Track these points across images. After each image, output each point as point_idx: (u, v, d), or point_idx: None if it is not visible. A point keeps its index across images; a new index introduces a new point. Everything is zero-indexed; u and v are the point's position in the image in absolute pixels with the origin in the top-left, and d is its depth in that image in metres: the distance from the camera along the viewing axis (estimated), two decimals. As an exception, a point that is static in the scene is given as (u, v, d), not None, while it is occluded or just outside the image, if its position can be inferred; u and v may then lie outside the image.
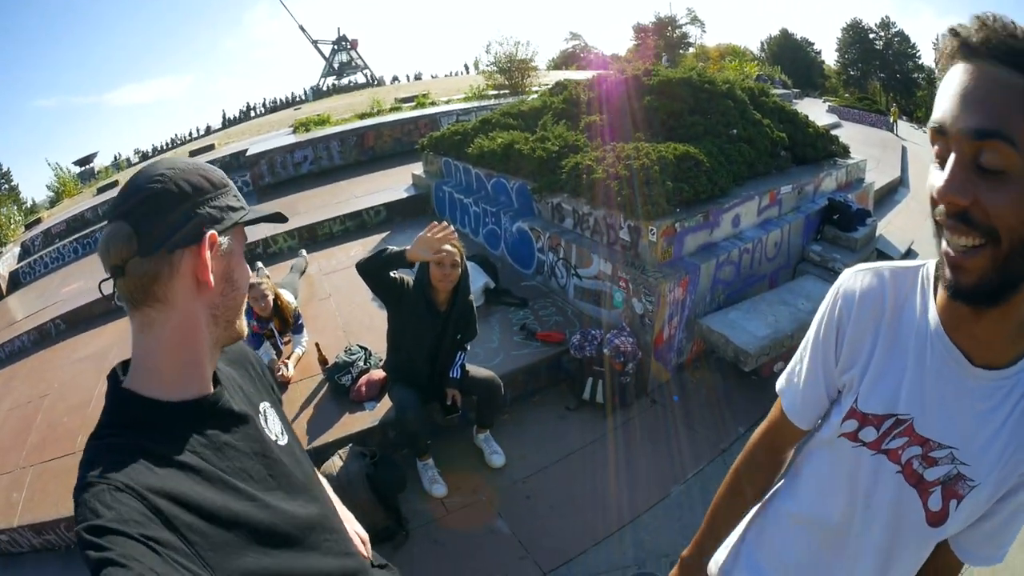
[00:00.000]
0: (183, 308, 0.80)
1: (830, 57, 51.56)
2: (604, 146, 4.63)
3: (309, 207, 7.92)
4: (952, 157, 0.67)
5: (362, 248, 6.40)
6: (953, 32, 0.67)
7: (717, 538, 1.21)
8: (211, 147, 17.50)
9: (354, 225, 7.12)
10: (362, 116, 14.30)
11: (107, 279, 0.79)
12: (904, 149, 16.24)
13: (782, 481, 1.14)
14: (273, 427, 0.99)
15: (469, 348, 3.13)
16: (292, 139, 11.59)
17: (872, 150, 12.19)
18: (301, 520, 0.90)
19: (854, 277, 0.92)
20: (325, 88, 62.76)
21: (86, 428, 3.80)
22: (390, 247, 2.60)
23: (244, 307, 0.91)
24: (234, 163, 12.27)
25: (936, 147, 0.70)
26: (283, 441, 0.99)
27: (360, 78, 64.72)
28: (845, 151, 6.49)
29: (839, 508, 0.95)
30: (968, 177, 0.65)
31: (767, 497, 1.16)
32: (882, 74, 50.12)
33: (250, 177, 10.48)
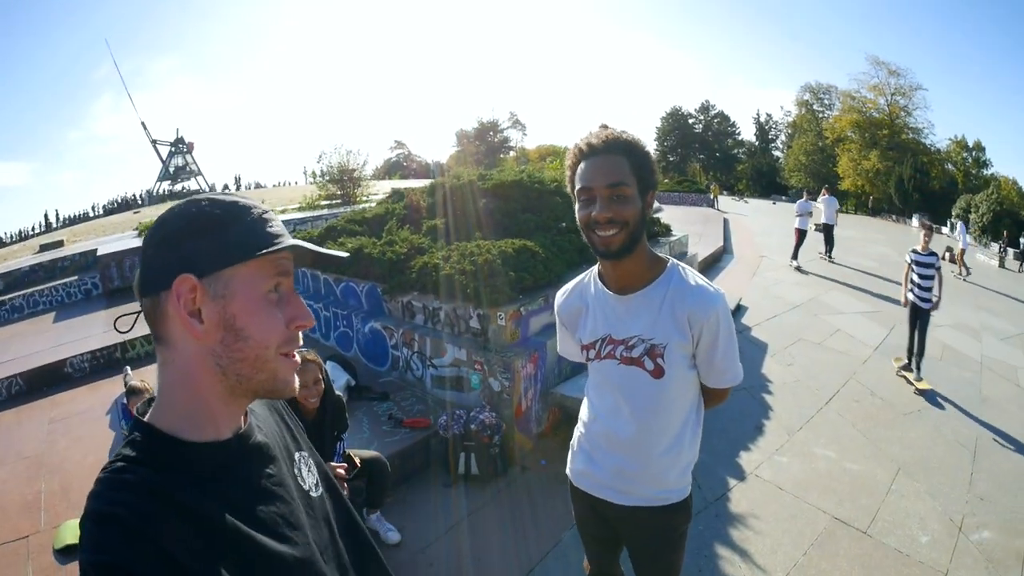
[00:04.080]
0: (182, 351, 0.81)
1: (648, 147, 58.07)
2: (448, 246, 5.42)
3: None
4: (599, 198, 1.47)
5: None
6: (586, 143, 1.52)
7: None
8: (61, 243, 17.75)
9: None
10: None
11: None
12: (726, 221, 18.97)
13: None
14: (308, 478, 1.00)
15: (346, 438, 3.40)
16: (139, 242, 11.80)
17: (694, 227, 14.41)
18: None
19: (559, 295, 1.86)
20: (160, 192, 61.74)
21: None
22: None
23: (274, 361, 0.84)
24: (82, 262, 12.83)
25: (584, 197, 1.51)
26: (316, 493, 1.00)
27: (193, 184, 63.97)
28: (667, 230, 7.87)
29: (606, 399, 1.76)
30: (609, 204, 1.47)
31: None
32: (702, 155, 57.02)
33: (99, 279, 10.71)
